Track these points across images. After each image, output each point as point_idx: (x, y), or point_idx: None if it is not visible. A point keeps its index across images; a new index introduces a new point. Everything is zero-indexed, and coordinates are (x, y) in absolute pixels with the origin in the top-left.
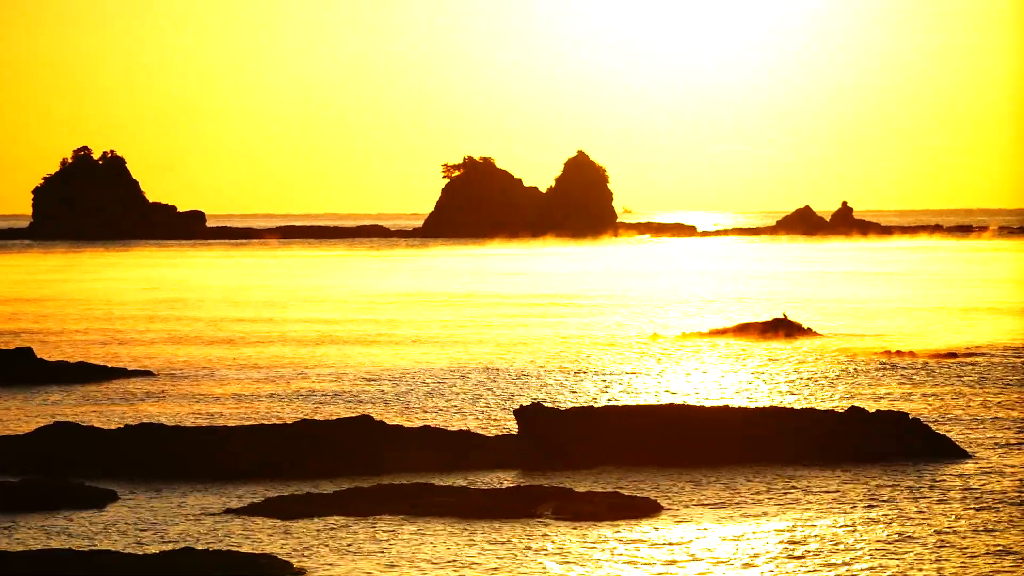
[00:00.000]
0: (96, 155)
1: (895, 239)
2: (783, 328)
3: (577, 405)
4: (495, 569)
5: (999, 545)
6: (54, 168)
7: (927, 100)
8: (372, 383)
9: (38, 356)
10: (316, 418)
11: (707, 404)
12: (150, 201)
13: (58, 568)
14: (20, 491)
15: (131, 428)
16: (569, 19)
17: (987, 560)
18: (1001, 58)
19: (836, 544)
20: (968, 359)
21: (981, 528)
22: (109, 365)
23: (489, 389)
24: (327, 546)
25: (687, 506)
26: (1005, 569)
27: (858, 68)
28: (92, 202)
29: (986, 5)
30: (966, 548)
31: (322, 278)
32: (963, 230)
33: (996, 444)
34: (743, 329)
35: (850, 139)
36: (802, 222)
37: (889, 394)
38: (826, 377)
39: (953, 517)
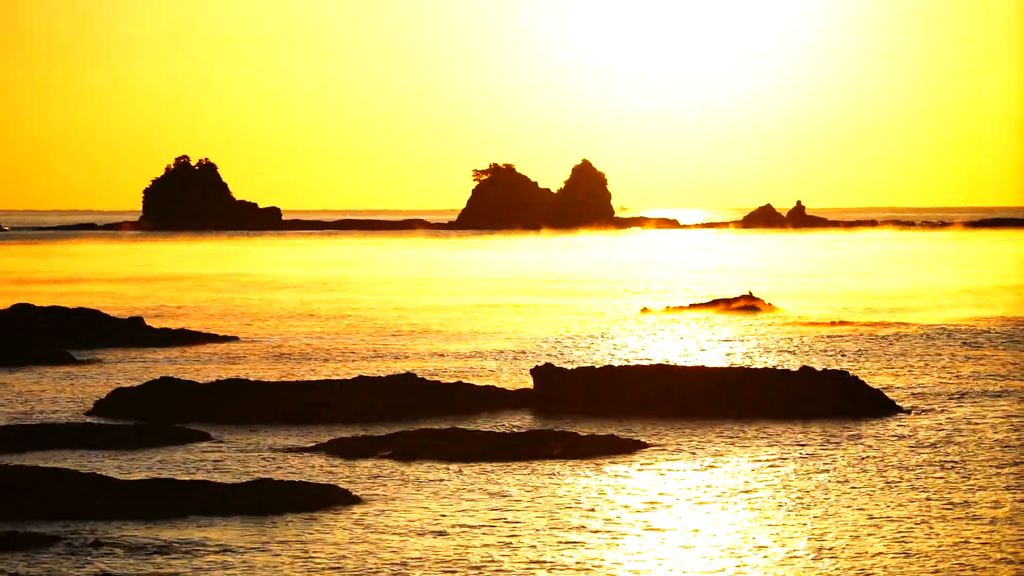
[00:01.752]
0: (193, 162)
1: (840, 232)
2: (749, 303)
3: (581, 365)
4: (514, 496)
5: (924, 486)
6: (160, 172)
7: (873, 109)
8: (416, 346)
9: (147, 324)
10: (370, 374)
11: (686, 365)
12: (236, 199)
13: (162, 493)
14: (132, 433)
15: (220, 382)
16: (577, 48)
17: (912, 498)
18: (947, 61)
19: (788, 482)
20: (902, 329)
21: (909, 471)
22: (203, 331)
23: (509, 351)
24: (380, 479)
25: (668, 447)
26: (932, 510)
27: (813, 84)
28: (190, 200)
29: (927, 7)
30: (896, 489)
31: (376, 263)
32: (900, 224)
33: (924, 400)
34: (716, 304)
35: (805, 147)
36: (764, 217)
37: (834, 357)
38: (783, 343)
39: (885, 462)
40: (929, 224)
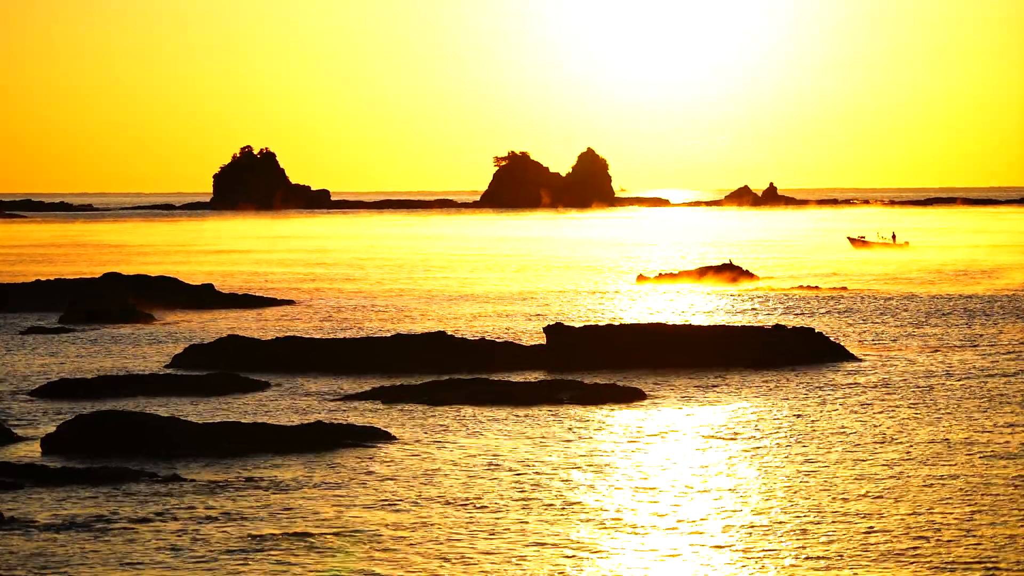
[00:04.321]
0: (256, 151)
1: (807, 210)
2: (730, 271)
3: (587, 323)
4: (531, 435)
5: (878, 424)
6: (227, 160)
7: (840, 101)
8: (446, 307)
9: (217, 289)
10: (407, 332)
11: (677, 323)
12: (292, 183)
13: (228, 432)
14: (204, 382)
15: (279, 339)
16: (583, 49)
17: (868, 438)
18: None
19: (764, 422)
20: (858, 292)
21: (865, 411)
22: (265, 295)
23: (525, 313)
24: (415, 421)
25: (662, 394)
26: (885, 449)
27: (787, 77)
28: (253, 184)
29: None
30: (854, 430)
31: (414, 237)
32: (850, 203)
33: (878, 351)
34: (702, 271)
35: (779, 134)
36: (742, 197)
37: (802, 315)
38: (758, 304)
39: (844, 403)
40: (882, 202)
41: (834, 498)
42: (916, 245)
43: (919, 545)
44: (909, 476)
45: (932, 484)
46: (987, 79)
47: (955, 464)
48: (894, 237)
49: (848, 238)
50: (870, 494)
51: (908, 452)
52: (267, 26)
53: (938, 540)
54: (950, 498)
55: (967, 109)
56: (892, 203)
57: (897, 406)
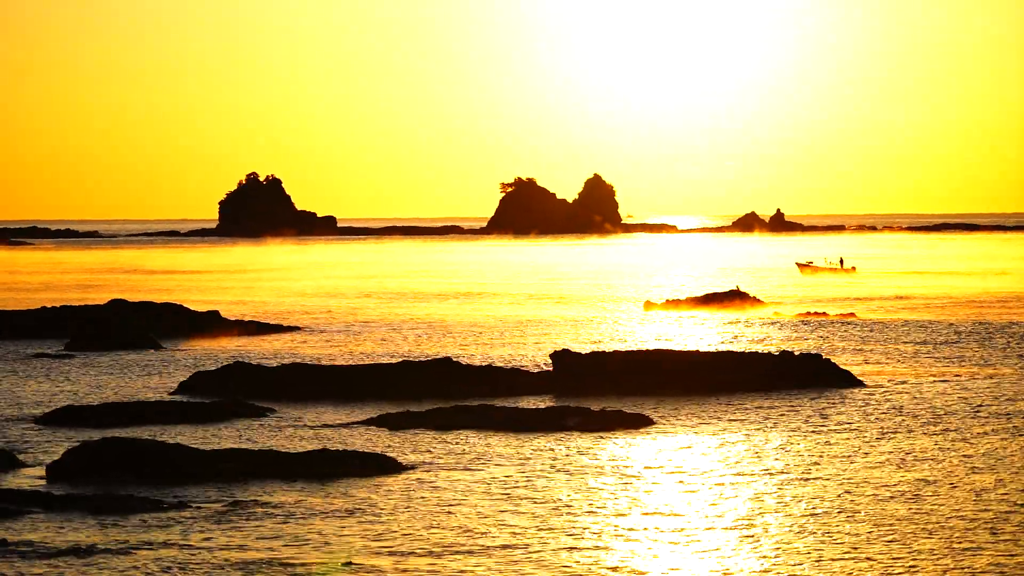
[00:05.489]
0: (261, 177)
1: (813, 236)
2: (737, 297)
3: (595, 350)
4: (538, 462)
5: (889, 452)
6: (233, 187)
7: (848, 122)
8: (453, 334)
9: (223, 316)
10: (413, 358)
11: (684, 349)
12: (298, 209)
13: (233, 459)
14: (210, 409)
15: (285, 365)
16: (590, 75)
17: (880, 466)
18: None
19: (772, 449)
20: (867, 318)
21: (875, 438)
22: (271, 322)
23: (532, 338)
24: (421, 448)
25: (670, 421)
26: (891, 462)
27: (794, 105)
28: (259, 210)
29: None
30: (865, 457)
31: (420, 263)
32: (864, 228)
33: (882, 376)
34: (709, 298)
35: (786, 162)
36: (748, 223)
37: (809, 341)
38: (766, 330)
39: (853, 430)
40: (889, 228)
41: (846, 527)
42: (863, 271)
43: None
44: (925, 506)
45: (949, 515)
46: (1002, 101)
47: (967, 493)
48: (841, 262)
49: (796, 263)
50: (885, 523)
51: (923, 481)
52: (272, 52)
53: (961, 572)
54: (971, 528)
55: (980, 133)
56: (911, 229)
57: (908, 433)
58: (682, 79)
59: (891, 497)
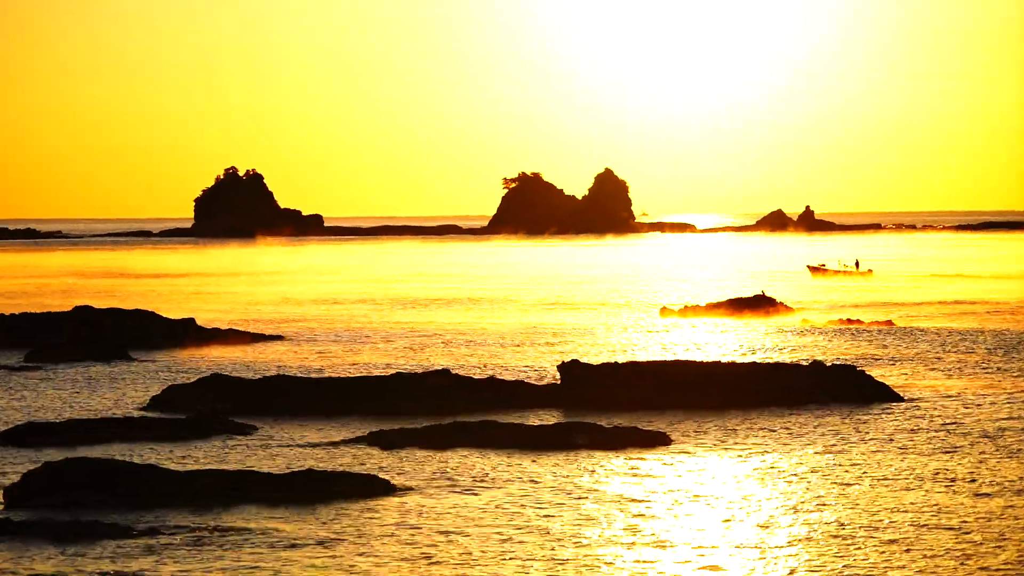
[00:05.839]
0: (241, 172)
1: (846, 235)
2: (762, 302)
3: (606, 361)
4: (544, 484)
5: (931, 474)
6: (210, 183)
7: (880, 116)
8: (451, 343)
9: (199, 324)
10: (408, 369)
11: (704, 360)
12: (281, 207)
13: (211, 481)
14: (185, 426)
15: (267, 378)
16: (602, 63)
17: (921, 489)
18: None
19: (802, 471)
20: (907, 326)
21: (916, 458)
22: (252, 331)
23: (538, 348)
24: (417, 469)
25: (690, 439)
26: (932, 491)
27: (824, 91)
28: (238, 208)
29: (937, 20)
30: (904, 479)
31: (414, 266)
32: (903, 227)
33: (923, 390)
34: (732, 303)
35: (815, 153)
36: (775, 222)
37: (842, 351)
38: (794, 339)
39: (892, 450)
40: (930, 227)
41: (886, 558)
42: (883, 275)
43: None
44: (975, 536)
45: (999, 544)
46: None
47: (1020, 520)
48: (857, 265)
49: (807, 266)
50: (929, 554)
51: (971, 508)
52: (252, 38)
53: None
54: (1017, 558)
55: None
56: (955, 228)
57: (953, 453)
58: (700, 64)
59: (937, 526)
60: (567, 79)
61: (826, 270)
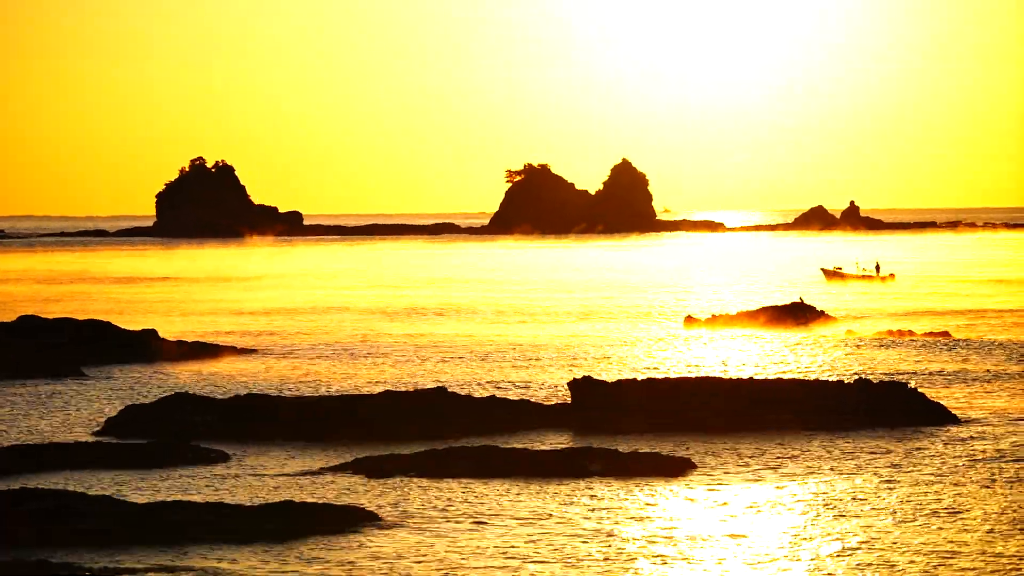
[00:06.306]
0: (209, 164)
1: (897, 234)
2: (800, 311)
3: (622, 378)
4: (553, 517)
5: (993, 505)
6: (174, 175)
7: (928, 105)
8: (448, 358)
9: (161, 336)
10: (398, 388)
11: (733, 377)
12: (255, 203)
13: (177, 517)
14: (145, 452)
15: (239, 397)
16: (616, 44)
17: (983, 522)
18: (1002, 60)
19: (848, 502)
20: (964, 338)
21: (976, 487)
22: (221, 343)
23: (545, 362)
24: (408, 500)
25: (717, 466)
26: (999, 526)
27: (865, 77)
28: (206, 204)
29: (988, 6)
30: (963, 512)
31: (406, 270)
32: (952, 226)
33: (984, 411)
34: (765, 312)
35: (858, 144)
36: (816, 219)
37: (890, 367)
38: (836, 352)
39: (948, 478)
40: (992, 225)
41: None
42: (907, 278)
43: None
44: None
45: None
46: None
47: None
48: (878, 268)
49: (822, 270)
50: None
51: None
52: (222, 16)
53: None
54: None
55: None
56: (1015, 226)
57: (1018, 483)
58: (729, 48)
59: (997, 571)
60: (577, 59)
61: (843, 274)
